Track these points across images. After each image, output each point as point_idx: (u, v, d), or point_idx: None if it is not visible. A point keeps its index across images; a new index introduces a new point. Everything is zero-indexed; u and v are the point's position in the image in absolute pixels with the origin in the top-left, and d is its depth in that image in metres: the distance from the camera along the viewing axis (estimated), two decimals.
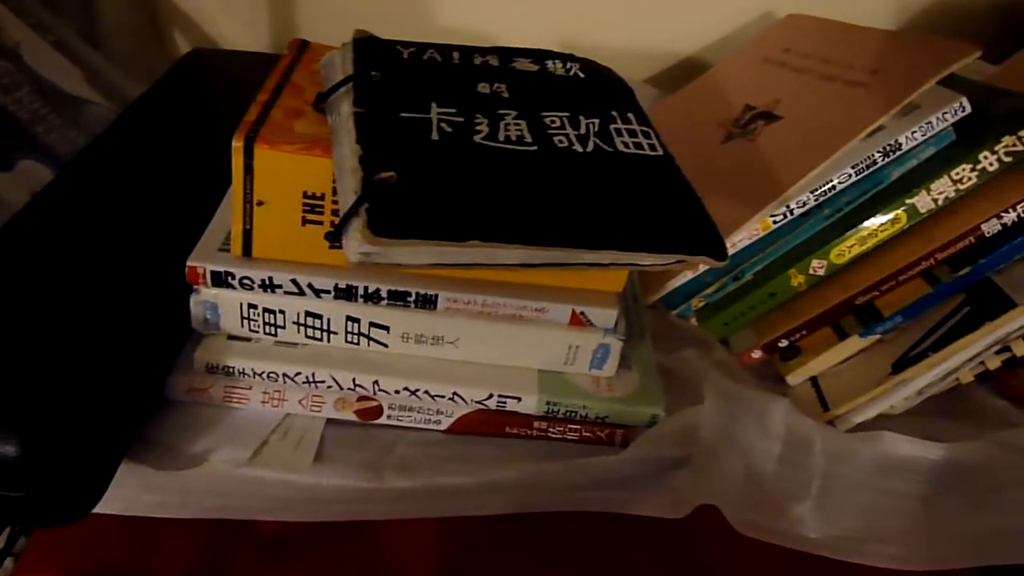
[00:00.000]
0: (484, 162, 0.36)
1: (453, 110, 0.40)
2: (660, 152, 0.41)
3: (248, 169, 0.39)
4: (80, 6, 0.68)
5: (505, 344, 0.44)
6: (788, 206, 0.51)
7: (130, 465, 0.41)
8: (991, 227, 0.47)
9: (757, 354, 0.51)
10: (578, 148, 0.39)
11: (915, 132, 0.50)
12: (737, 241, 0.52)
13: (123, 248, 0.45)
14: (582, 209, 0.35)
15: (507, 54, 0.47)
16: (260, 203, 0.40)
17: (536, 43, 0.76)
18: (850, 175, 0.51)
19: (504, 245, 0.33)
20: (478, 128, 0.39)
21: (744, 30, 0.75)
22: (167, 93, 0.61)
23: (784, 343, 0.51)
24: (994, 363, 0.49)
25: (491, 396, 0.43)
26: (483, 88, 0.42)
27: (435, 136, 0.37)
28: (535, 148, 0.38)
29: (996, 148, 0.48)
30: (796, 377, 0.50)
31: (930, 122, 0.50)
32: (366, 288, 0.41)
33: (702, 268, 0.53)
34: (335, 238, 0.33)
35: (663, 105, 0.69)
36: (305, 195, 0.39)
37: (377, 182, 0.34)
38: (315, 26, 0.76)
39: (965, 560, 0.43)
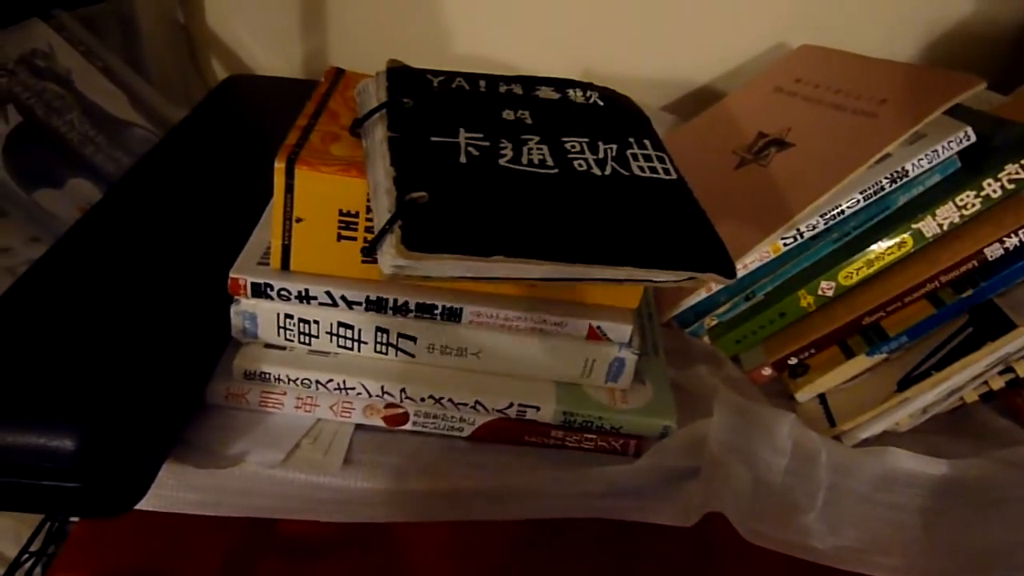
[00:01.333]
0: (509, 183, 0.39)
1: (480, 135, 0.42)
2: (674, 176, 0.43)
3: (289, 188, 0.41)
4: (124, 35, 0.72)
5: (525, 356, 0.46)
6: (798, 229, 0.53)
7: (171, 465, 0.43)
8: (993, 251, 0.49)
9: (767, 371, 0.53)
10: (596, 171, 0.41)
11: (921, 160, 0.52)
12: (749, 263, 0.55)
13: (168, 262, 0.48)
14: (600, 228, 0.38)
15: (530, 83, 0.49)
16: (299, 220, 0.42)
17: (558, 71, 0.79)
18: (858, 200, 0.53)
19: (527, 260, 0.35)
20: (503, 152, 0.41)
21: (758, 60, 0.78)
22: (207, 117, 0.64)
23: (793, 361, 0.53)
24: (997, 383, 0.51)
25: (511, 405, 0.46)
26: (508, 115, 0.45)
27: (463, 159, 0.40)
28: (556, 171, 0.41)
29: (999, 176, 0.50)
30: (804, 394, 0.52)
31: (936, 150, 0.52)
32: (395, 301, 0.44)
33: (714, 287, 0.55)
34: (370, 253, 0.36)
35: (679, 132, 0.72)
36: (341, 213, 0.42)
37: (409, 201, 0.36)
38: (347, 55, 0.80)
39: (964, 573, 0.44)
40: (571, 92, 0.49)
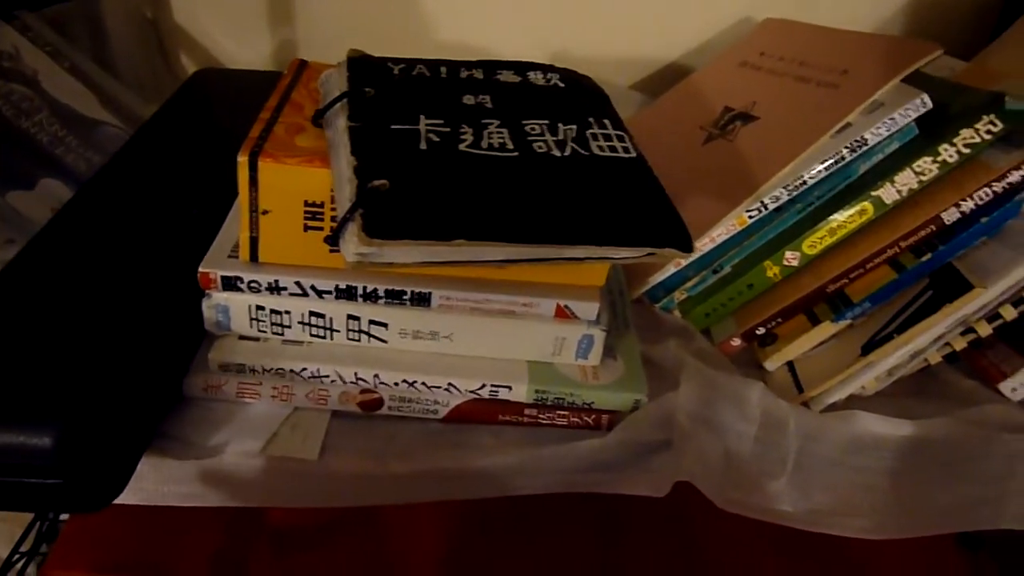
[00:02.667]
0: (469, 168, 0.40)
1: (440, 121, 0.43)
2: (633, 154, 0.44)
3: (253, 182, 0.42)
4: (91, 33, 0.72)
5: (496, 337, 0.47)
6: (763, 201, 0.54)
7: (152, 458, 0.44)
8: (951, 215, 0.50)
9: (737, 342, 0.54)
10: (556, 153, 0.42)
11: (880, 128, 0.53)
12: (716, 236, 0.55)
13: (141, 258, 0.48)
14: (560, 208, 0.39)
15: (491, 67, 0.50)
16: (265, 212, 0.43)
17: (528, 55, 0.79)
18: (820, 170, 0.54)
19: (488, 243, 0.36)
20: (463, 137, 0.42)
21: (725, 35, 0.78)
22: (176, 112, 0.64)
23: (761, 331, 0.54)
24: (960, 344, 0.52)
25: (484, 386, 0.47)
26: (468, 100, 0.46)
27: (423, 146, 0.41)
28: (516, 154, 0.41)
29: (955, 141, 0.51)
30: (773, 362, 0.53)
31: (893, 118, 0.53)
32: (365, 288, 0.45)
33: (683, 262, 0.56)
34: (334, 242, 0.36)
35: (649, 110, 0.73)
36: (306, 203, 0.43)
37: (371, 189, 0.37)
38: (315, 45, 0.80)
39: (931, 528, 0.46)
40: (532, 75, 0.50)
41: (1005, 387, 0.51)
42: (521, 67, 0.51)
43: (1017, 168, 0.49)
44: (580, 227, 0.38)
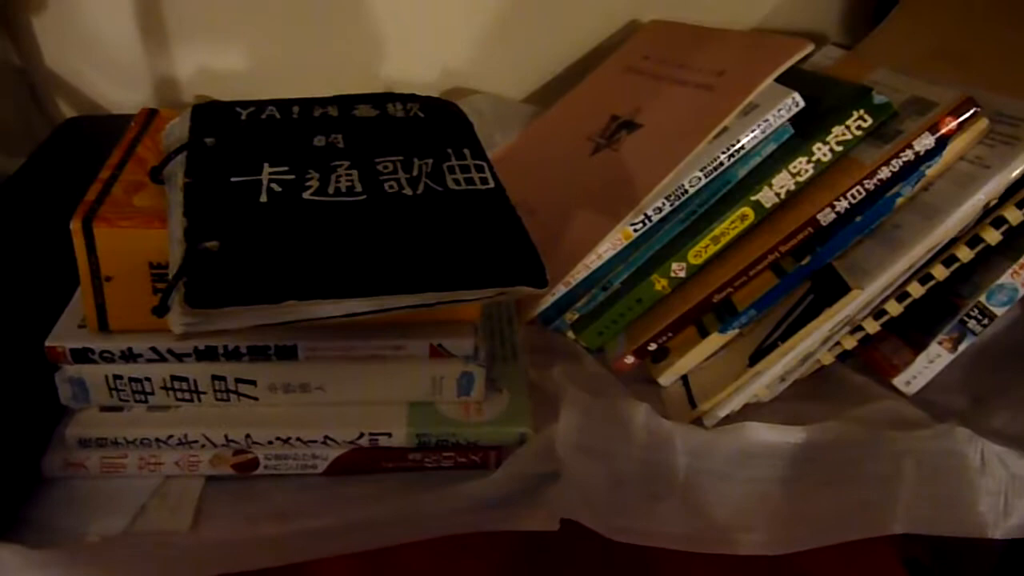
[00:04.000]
0: (310, 218, 0.38)
1: (285, 168, 0.41)
2: (491, 185, 0.42)
3: (91, 248, 0.40)
4: None
5: (371, 383, 0.45)
6: (646, 214, 0.53)
7: (10, 546, 0.42)
8: (826, 216, 0.49)
9: (630, 360, 0.53)
10: (408, 191, 0.41)
11: (754, 131, 0.52)
12: (603, 252, 0.54)
13: None
14: (404, 253, 0.37)
15: (348, 102, 0.48)
16: (108, 279, 0.41)
17: (415, 77, 0.78)
18: (700, 178, 0.53)
19: (321, 301, 0.34)
20: (308, 184, 0.40)
21: (613, 40, 0.77)
22: (42, 165, 0.61)
23: (653, 346, 0.53)
24: (850, 342, 0.52)
25: (362, 435, 0.45)
26: (319, 141, 0.44)
27: (263, 198, 0.39)
28: (364, 197, 0.40)
29: (827, 139, 0.50)
30: (667, 378, 0.52)
31: (768, 120, 0.52)
32: (226, 348, 0.43)
33: (572, 282, 0.55)
34: (161, 313, 0.34)
35: (537, 123, 0.72)
36: (151, 266, 0.41)
37: (199, 252, 0.35)
38: (200, 84, 0.77)
39: (828, 539, 0.45)
40: (391, 107, 0.48)
41: (899, 381, 0.51)
42: (380, 100, 0.49)
43: (886, 164, 0.48)
44: (422, 274, 0.36)
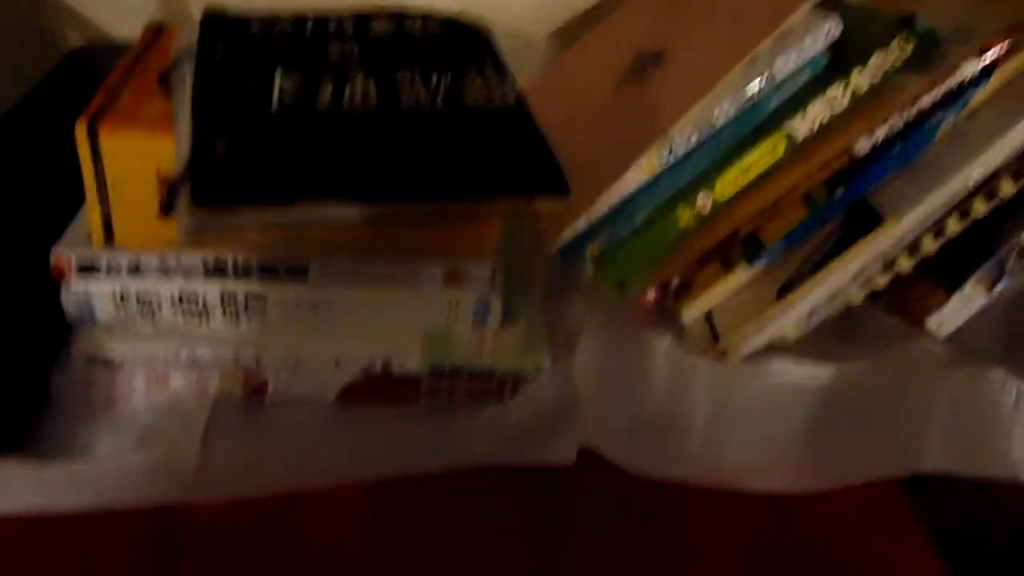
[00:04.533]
0: (322, 127, 0.36)
1: (298, 75, 0.39)
2: (511, 102, 0.41)
3: (96, 153, 0.38)
4: None
5: (384, 308, 0.44)
6: (672, 146, 0.51)
7: (22, 462, 0.41)
8: (862, 146, 0.47)
9: (652, 296, 0.52)
10: (426, 104, 0.39)
11: (789, 60, 0.50)
12: (627, 185, 0.52)
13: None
14: (419, 161, 0.35)
15: (364, 18, 0.46)
16: (114, 186, 0.39)
17: (435, 5, 0.75)
18: (729, 109, 0.51)
19: (333, 203, 0.33)
20: (322, 93, 0.38)
21: None
22: (49, 94, 0.60)
23: (676, 282, 0.51)
24: (882, 281, 0.50)
25: (375, 361, 0.44)
26: (335, 52, 0.42)
27: (274, 107, 0.37)
28: (379, 109, 0.38)
29: (866, 67, 0.48)
30: (690, 314, 0.50)
31: (803, 48, 0.50)
32: (235, 264, 0.41)
33: (594, 216, 0.53)
34: (167, 212, 0.33)
35: (564, 57, 0.69)
36: (159, 178, 0.39)
37: (206, 153, 0.34)
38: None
39: (853, 478, 0.44)
40: (408, 23, 0.46)
41: (931, 323, 0.49)
42: (397, 16, 0.47)
43: (928, 91, 0.46)
44: (438, 180, 0.35)
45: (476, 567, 0.43)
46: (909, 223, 0.44)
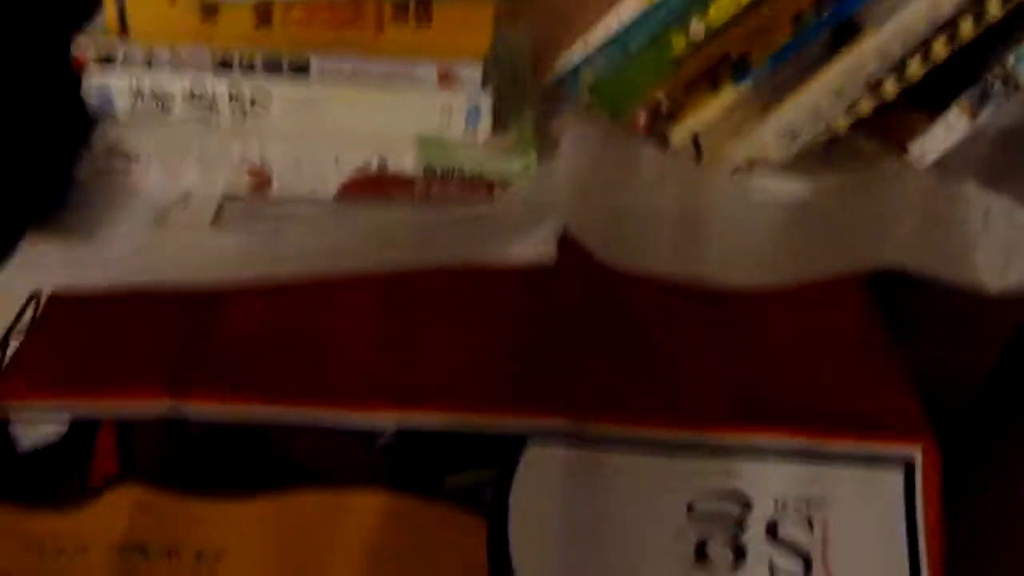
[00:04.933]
0: None
1: None
2: None
3: None
4: None
5: (382, 109, 0.46)
6: None
7: (49, 241, 0.45)
8: None
9: (642, 117, 0.53)
10: None
11: None
12: (623, 12, 0.54)
13: (24, 49, 0.47)
14: None
15: None
16: None
17: None
18: None
19: None
20: None
21: None
22: None
23: (666, 104, 0.53)
24: (867, 107, 0.51)
25: (372, 159, 0.46)
26: None
27: None
28: None
29: None
30: (678, 134, 0.52)
31: None
32: (241, 59, 0.44)
33: (590, 45, 0.54)
34: None
35: None
36: None
37: None
38: None
39: (820, 272, 0.46)
40: None
41: (914, 149, 0.50)
42: None
43: None
44: None
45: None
46: (888, 33, 0.45)
